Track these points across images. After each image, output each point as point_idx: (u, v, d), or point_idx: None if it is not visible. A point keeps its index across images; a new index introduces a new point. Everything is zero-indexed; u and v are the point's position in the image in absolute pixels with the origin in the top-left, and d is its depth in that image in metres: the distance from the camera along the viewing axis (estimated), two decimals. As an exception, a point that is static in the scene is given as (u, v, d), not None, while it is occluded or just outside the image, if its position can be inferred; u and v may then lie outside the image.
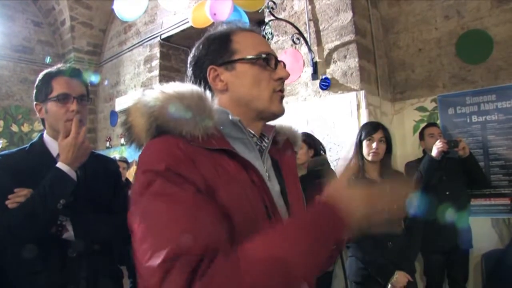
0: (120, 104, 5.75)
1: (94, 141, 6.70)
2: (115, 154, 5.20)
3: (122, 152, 5.49)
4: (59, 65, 1.63)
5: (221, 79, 0.97)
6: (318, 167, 1.01)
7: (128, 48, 6.14)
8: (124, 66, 6.25)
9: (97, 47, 6.77)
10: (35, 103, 1.61)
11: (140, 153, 0.86)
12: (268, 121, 1.04)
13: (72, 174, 1.45)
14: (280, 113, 1.01)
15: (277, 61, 1.01)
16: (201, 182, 0.78)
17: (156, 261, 0.67)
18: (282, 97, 1.02)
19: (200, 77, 1.00)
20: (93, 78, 6.65)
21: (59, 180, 1.42)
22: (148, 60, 5.79)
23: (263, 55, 0.97)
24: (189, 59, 1.05)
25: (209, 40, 1.02)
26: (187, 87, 0.90)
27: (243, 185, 0.86)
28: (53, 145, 1.58)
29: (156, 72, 5.61)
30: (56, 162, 1.52)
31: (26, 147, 1.61)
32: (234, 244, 0.75)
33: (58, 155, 1.54)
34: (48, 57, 6.55)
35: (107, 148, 6.26)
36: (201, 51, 1.01)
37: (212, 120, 0.87)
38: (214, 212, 0.76)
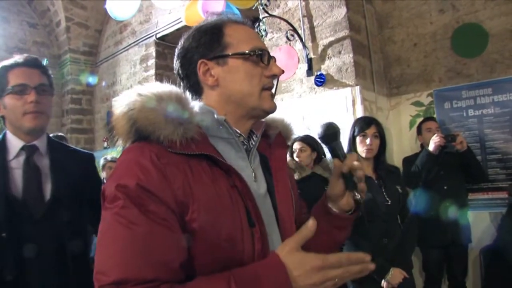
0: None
1: (91, 142, 6.70)
2: (112, 154, 5.18)
3: (119, 153, 5.48)
4: (16, 57, 1.52)
5: (211, 74, 0.94)
6: (326, 132, 1.01)
7: (124, 48, 6.13)
8: (120, 66, 6.23)
9: (93, 47, 6.75)
10: None
11: (119, 157, 0.86)
12: (258, 119, 1.00)
13: None
14: (271, 110, 0.98)
15: (270, 57, 0.97)
16: (171, 199, 0.78)
17: (101, 281, 0.74)
18: (272, 95, 0.98)
19: (188, 71, 0.96)
20: (90, 79, 6.63)
21: None
22: (144, 59, 5.77)
23: (257, 51, 0.94)
24: (177, 50, 1.00)
25: (199, 32, 0.97)
26: (166, 88, 0.87)
27: (221, 193, 0.83)
28: (13, 143, 1.48)
29: (152, 71, 5.60)
30: (8, 165, 1.43)
31: None
32: (214, 256, 0.79)
33: (15, 156, 1.46)
34: (45, 59, 6.51)
35: (105, 148, 6.24)
36: (191, 43, 0.97)
37: (191, 123, 0.84)
38: (171, 239, 0.77)
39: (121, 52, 6.19)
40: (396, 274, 2.14)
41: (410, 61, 3.61)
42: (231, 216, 0.82)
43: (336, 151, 0.99)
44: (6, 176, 1.41)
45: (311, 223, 0.79)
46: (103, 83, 6.51)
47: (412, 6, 3.58)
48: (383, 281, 2.14)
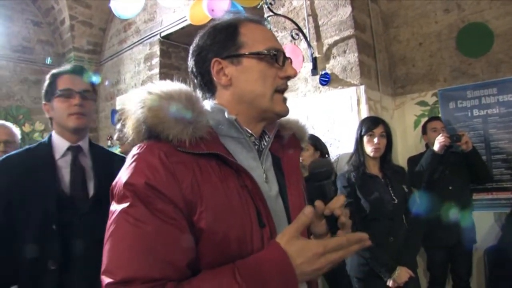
0: (121, 102, 5.75)
1: (95, 140, 6.69)
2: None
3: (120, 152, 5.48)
4: (65, 66, 1.70)
5: (225, 73, 0.93)
6: (319, 169, 0.97)
7: (128, 46, 6.12)
8: (124, 64, 6.23)
9: (97, 46, 6.75)
10: (43, 103, 1.66)
11: (129, 154, 0.85)
12: (270, 121, 0.99)
13: None
14: (283, 113, 0.97)
15: (285, 58, 0.96)
16: (179, 198, 0.78)
17: (108, 280, 0.73)
18: (284, 99, 0.97)
19: (202, 69, 0.95)
20: (94, 78, 6.62)
21: None
22: (148, 58, 5.77)
23: (273, 52, 0.93)
24: (192, 48, 0.99)
25: (215, 30, 0.96)
26: (176, 86, 0.87)
27: (229, 193, 0.82)
28: (59, 143, 1.61)
29: (157, 70, 5.59)
30: (55, 164, 1.54)
31: (32, 146, 1.64)
32: (222, 256, 0.78)
33: (62, 155, 1.58)
34: (49, 58, 6.54)
35: (109, 147, 6.25)
36: (205, 41, 0.96)
37: (200, 122, 0.84)
38: (179, 238, 0.77)
39: (125, 51, 6.18)
40: (402, 273, 2.14)
41: (415, 60, 3.60)
42: (240, 216, 0.82)
43: (325, 191, 0.93)
44: (56, 173, 1.55)
45: (308, 210, 0.79)
46: (107, 82, 6.51)
47: (417, 5, 3.57)
48: (389, 279, 2.14)
